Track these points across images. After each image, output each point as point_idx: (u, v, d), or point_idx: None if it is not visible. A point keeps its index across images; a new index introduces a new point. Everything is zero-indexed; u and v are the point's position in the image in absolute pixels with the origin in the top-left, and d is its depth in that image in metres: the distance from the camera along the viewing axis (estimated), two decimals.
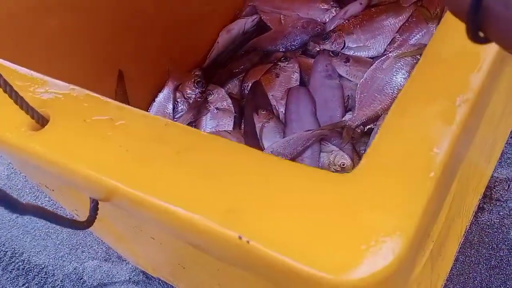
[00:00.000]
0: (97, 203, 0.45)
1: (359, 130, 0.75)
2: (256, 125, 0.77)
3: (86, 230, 1.20)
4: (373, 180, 0.32)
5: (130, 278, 1.12)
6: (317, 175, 0.33)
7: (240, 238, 0.31)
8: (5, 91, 0.40)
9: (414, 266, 0.33)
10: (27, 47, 0.66)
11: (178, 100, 0.83)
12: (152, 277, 1.10)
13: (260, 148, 0.75)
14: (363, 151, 0.75)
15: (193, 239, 0.37)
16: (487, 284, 0.88)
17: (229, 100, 0.81)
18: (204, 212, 0.33)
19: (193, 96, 0.83)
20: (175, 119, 0.82)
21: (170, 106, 0.82)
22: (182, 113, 0.82)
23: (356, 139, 0.75)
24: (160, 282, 1.09)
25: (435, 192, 0.31)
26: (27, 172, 0.78)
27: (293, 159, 0.73)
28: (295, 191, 0.33)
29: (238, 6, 0.96)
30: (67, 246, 1.18)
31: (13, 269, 1.18)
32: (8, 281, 1.16)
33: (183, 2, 0.84)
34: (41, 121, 0.41)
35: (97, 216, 0.45)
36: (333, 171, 0.72)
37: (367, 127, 0.74)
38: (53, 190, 0.74)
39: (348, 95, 0.78)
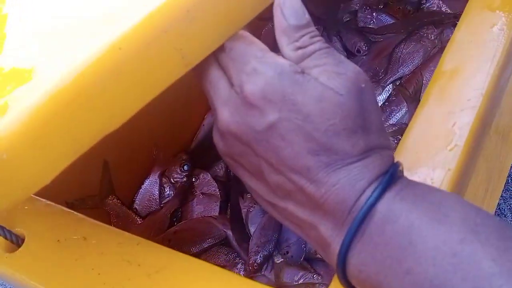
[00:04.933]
0: None
1: None
2: (242, 210, 0.77)
3: None
4: None
5: None
6: None
7: None
8: None
9: None
10: None
11: (165, 185, 0.83)
12: None
13: (247, 234, 0.75)
14: None
15: None
16: None
17: (215, 185, 0.82)
18: None
19: (180, 180, 0.84)
20: (161, 205, 0.82)
21: (157, 192, 0.83)
22: (168, 198, 0.83)
23: None
24: None
25: None
26: None
27: (279, 243, 0.72)
28: None
29: None
30: None
31: None
32: None
33: (168, 88, 0.86)
34: (16, 241, 0.41)
35: None
36: (320, 258, 0.71)
37: None
38: None
39: None
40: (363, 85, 0.31)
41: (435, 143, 0.39)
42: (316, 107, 0.29)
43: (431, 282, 0.26)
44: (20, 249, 0.41)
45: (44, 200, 0.44)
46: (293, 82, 0.30)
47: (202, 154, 0.88)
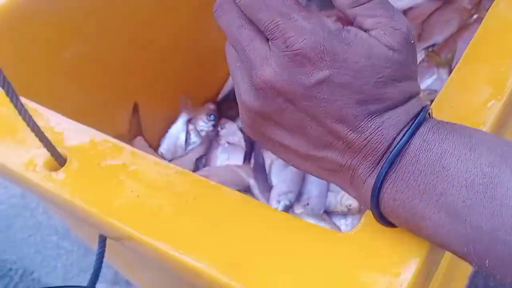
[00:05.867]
0: (105, 239, 0.47)
1: None
2: (265, 161, 0.79)
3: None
4: (370, 241, 0.33)
5: None
6: (320, 233, 0.35)
7: None
8: (33, 131, 0.41)
9: None
10: (44, 80, 0.68)
11: (191, 132, 0.85)
12: None
13: (269, 184, 0.77)
14: None
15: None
16: None
17: (240, 135, 0.83)
18: (210, 263, 0.35)
19: (206, 129, 0.85)
20: (187, 151, 0.84)
21: (183, 138, 0.84)
22: (194, 145, 0.84)
23: None
24: None
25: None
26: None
27: (300, 195, 0.74)
28: (298, 249, 0.34)
29: None
30: (76, 267, 1.20)
31: (24, 287, 1.20)
32: None
33: (198, 36, 0.87)
34: (60, 160, 0.43)
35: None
36: (339, 212, 0.73)
37: None
38: (67, 217, 0.76)
39: None
40: (412, 41, 0.32)
41: (473, 98, 0.39)
42: (365, 63, 0.30)
43: (463, 203, 0.28)
44: (63, 168, 0.43)
45: (87, 126, 0.46)
46: (342, 40, 0.30)
47: (229, 105, 0.90)
